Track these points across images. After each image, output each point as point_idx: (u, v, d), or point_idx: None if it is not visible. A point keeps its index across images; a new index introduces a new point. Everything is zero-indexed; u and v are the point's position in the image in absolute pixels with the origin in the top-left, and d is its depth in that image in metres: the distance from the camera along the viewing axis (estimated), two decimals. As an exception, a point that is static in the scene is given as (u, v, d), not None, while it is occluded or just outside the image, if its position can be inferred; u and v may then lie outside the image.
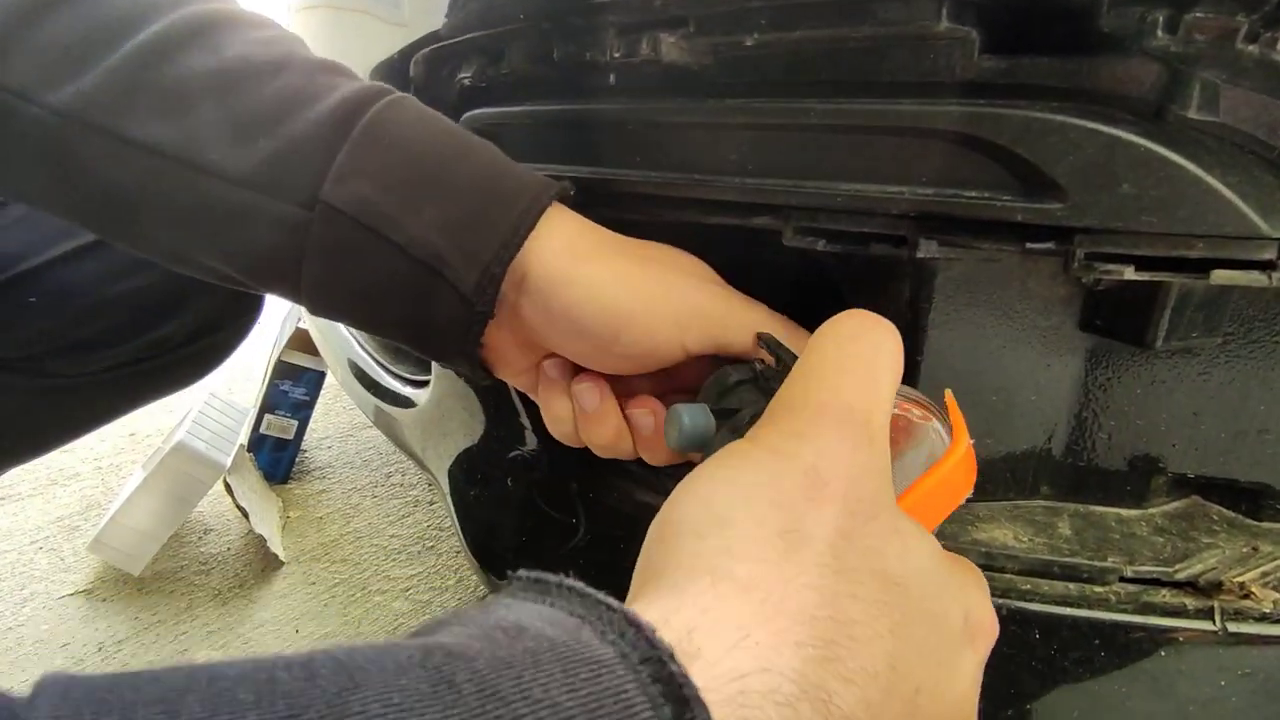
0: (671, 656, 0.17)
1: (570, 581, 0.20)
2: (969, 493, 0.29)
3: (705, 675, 0.18)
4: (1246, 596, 0.33)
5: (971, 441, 0.29)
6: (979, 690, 0.25)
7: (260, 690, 0.15)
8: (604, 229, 0.37)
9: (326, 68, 0.36)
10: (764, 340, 0.34)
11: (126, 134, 0.33)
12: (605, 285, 0.34)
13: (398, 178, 0.33)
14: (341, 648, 0.17)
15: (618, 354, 0.35)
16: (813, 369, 0.26)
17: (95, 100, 0.33)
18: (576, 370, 0.38)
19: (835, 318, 0.28)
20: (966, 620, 0.24)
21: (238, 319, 0.71)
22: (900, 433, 0.29)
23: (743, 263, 0.38)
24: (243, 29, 0.36)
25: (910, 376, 0.36)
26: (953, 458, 0.28)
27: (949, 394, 0.31)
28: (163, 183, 0.34)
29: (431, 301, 0.34)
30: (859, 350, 0.26)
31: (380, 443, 1.31)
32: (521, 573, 0.21)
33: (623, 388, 0.38)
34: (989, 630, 0.25)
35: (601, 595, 0.19)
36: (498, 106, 0.44)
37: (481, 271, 0.33)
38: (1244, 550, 0.35)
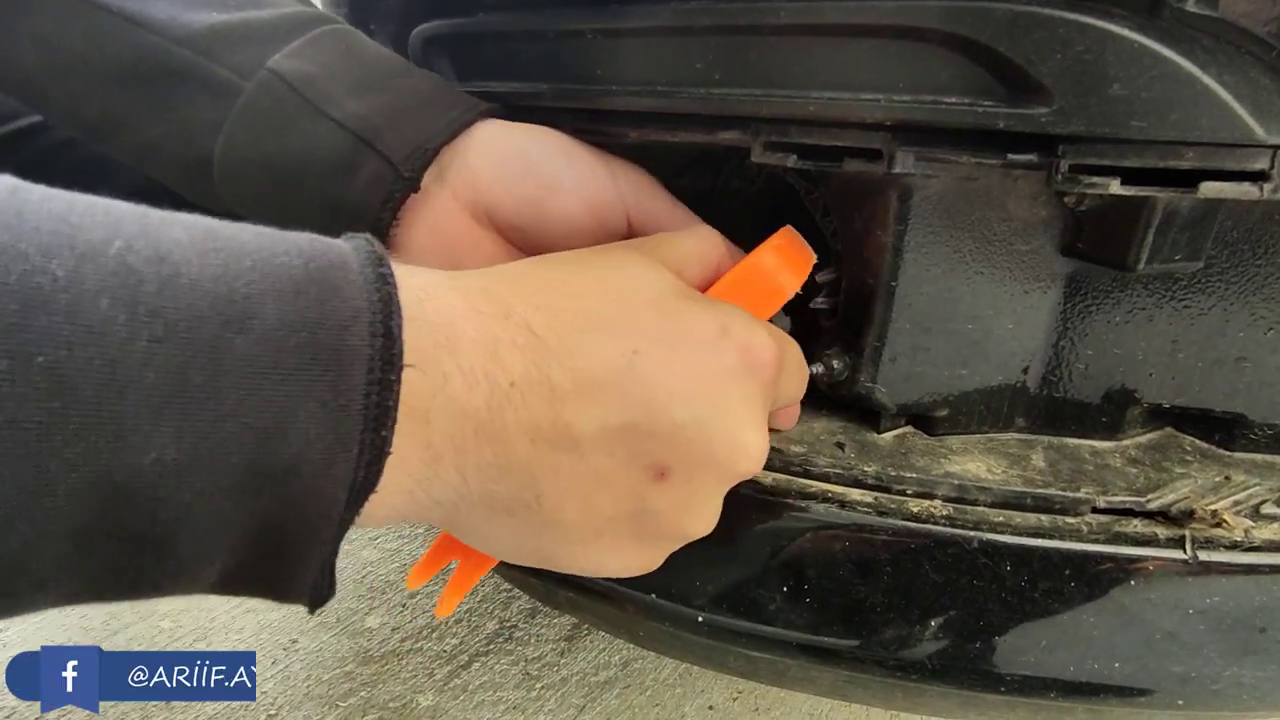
0: (380, 249, 0.22)
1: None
2: (794, 290, 0.33)
3: (402, 270, 0.22)
4: (1218, 525, 0.32)
5: (783, 244, 0.33)
6: (750, 409, 0.27)
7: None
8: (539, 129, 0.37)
9: None
10: None
11: None
12: (549, 137, 0.36)
13: (345, 68, 0.35)
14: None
15: (560, 202, 0.34)
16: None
17: None
18: None
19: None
20: (725, 331, 0.27)
21: None
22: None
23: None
24: None
25: (883, 303, 0.34)
26: (753, 258, 0.32)
27: (786, 227, 0.34)
28: (104, 37, 0.34)
29: (354, 175, 0.34)
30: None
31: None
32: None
33: None
34: (759, 348, 0.27)
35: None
36: (449, 18, 0.41)
37: (415, 146, 0.34)
38: (1216, 480, 0.35)
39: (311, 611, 0.23)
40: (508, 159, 0.35)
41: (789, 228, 0.34)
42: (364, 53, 0.36)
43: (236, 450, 0.19)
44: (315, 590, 0.23)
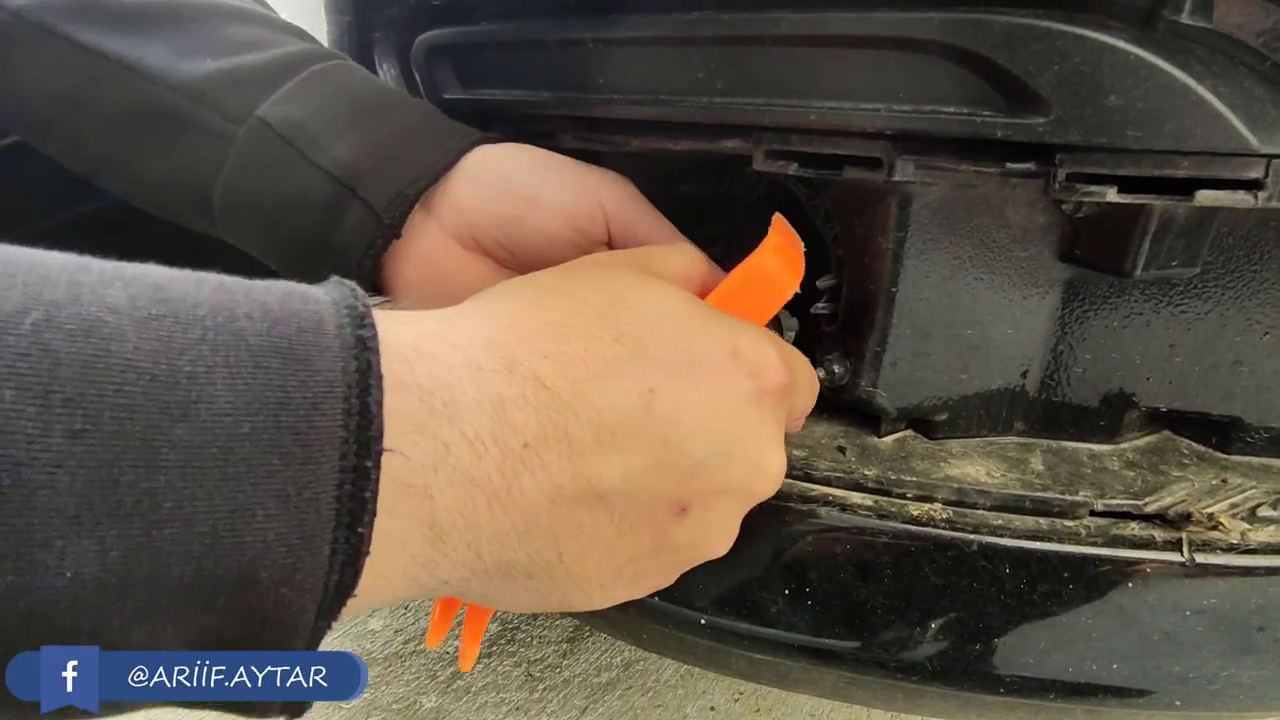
0: (364, 304, 0.20)
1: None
2: (794, 288, 0.32)
3: (389, 326, 0.20)
4: (1215, 528, 0.33)
5: (781, 242, 0.32)
6: (768, 430, 0.26)
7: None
8: (527, 150, 0.37)
9: (292, 30, 0.38)
10: None
11: (71, 36, 0.34)
12: (527, 154, 0.36)
13: (332, 110, 0.35)
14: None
15: (540, 217, 0.34)
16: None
17: (49, 4, 0.35)
18: None
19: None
20: (736, 355, 0.26)
21: None
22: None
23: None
24: None
25: (883, 309, 0.34)
26: (754, 257, 0.31)
27: (776, 215, 0.33)
28: (102, 83, 0.35)
29: (340, 220, 0.34)
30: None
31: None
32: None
33: None
34: (770, 370, 0.26)
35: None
36: (451, 27, 0.41)
37: (396, 193, 0.34)
38: (1213, 483, 0.35)
39: None
40: (488, 182, 0.35)
41: (779, 217, 0.33)
42: (355, 89, 0.36)
43: (177, 562, 0.16)
44: (288, 709, 0.20)
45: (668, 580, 0.28)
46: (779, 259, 0.32)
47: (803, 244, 0.33)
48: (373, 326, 0.19)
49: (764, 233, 0.34)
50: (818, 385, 0.34)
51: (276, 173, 0.34)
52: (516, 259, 0.35)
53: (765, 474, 0.26)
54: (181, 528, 0.16)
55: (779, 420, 0.28)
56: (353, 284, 0.21)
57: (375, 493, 0.18)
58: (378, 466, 0.18)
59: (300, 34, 0.39)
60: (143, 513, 0.16)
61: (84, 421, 0.15)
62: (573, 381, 0.22)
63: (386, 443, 0.19)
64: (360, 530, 0.18)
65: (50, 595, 0.15)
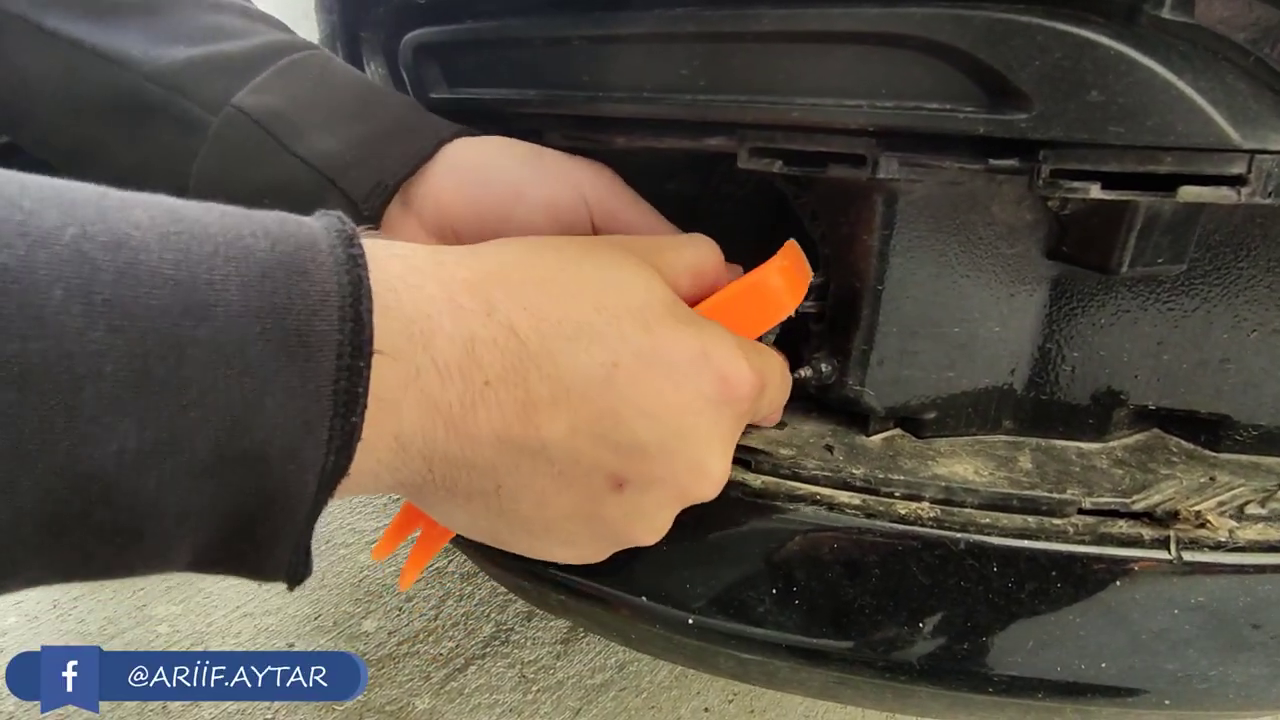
0: (351, 228, 0.22)
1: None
2: (790, 310, 0.33)
3: (382, 257, 0.22)
4: (1203, 525, 0.33)
5: (788, 265, 0.33)
6: (719, 435, 0.27)
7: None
8: (507, 141, 0.37)
9: (268, 19, 0.38)
10: None
11: (45, 25, 0.34)
12: (508, 146, 0.36)
13: (312, 100, 0.35)
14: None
15: (522, 209, 0.34)
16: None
17: None
18: None
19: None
20: (706, 357, 0.27)
21: None
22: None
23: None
24: None
25: (870, 307, 0.34)
26: (757, 274, 0.32)
27: (790, 241, 0.34)
28: (78, 72, 0.35)
29: (320, 206, 0.34)
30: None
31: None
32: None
33: None
34: (737, 380, 0.27)
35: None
36: (438, 26, 0.41)
37: (375, 183, 0.34)
38: (1201, 481, 0.35)
39: (290, 589, 0.23)
40: (467, 175, 0.35)
41: (793, 243, 0.34)
42: (333, 80, 0.36)
43: (202, 439, 0.19)
44: (292, 569, 0.23)
45: (597, 554, 0.30)
46: (783, 279, 0.32)
47: (811, 273, 0.34)
48: (360, 246, 0.21)
49: (753, 231, 0.34)
50: (789, 386, 0.34)
51: (254, 160, 0.34)
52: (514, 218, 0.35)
53: (706, 475, 0.27)
54: (205, 412, 0.18)
55: (734, 429, 0.29)
56: (339, 213, 0.22)
57: (366, 389, 0.21)
58: (369, 366, 0.21)
59: (276, 24, 0.39)
60: (173, 399, 0.18)
61: (121, 319, 0.17)
62: (543, 337, 0.24)
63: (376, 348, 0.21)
64: (353, 420, 0.20)
65: (100, 464, 0.17)
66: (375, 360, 0.21)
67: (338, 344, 0.20)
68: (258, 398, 0.19)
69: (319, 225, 0.22)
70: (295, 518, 0.21)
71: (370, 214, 0.34)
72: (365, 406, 0.21)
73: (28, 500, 0.17)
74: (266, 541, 0.21)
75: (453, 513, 0.27)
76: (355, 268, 0.21)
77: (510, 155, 0.35)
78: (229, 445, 0.19)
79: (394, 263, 0.23)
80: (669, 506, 0.28)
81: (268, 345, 0.19)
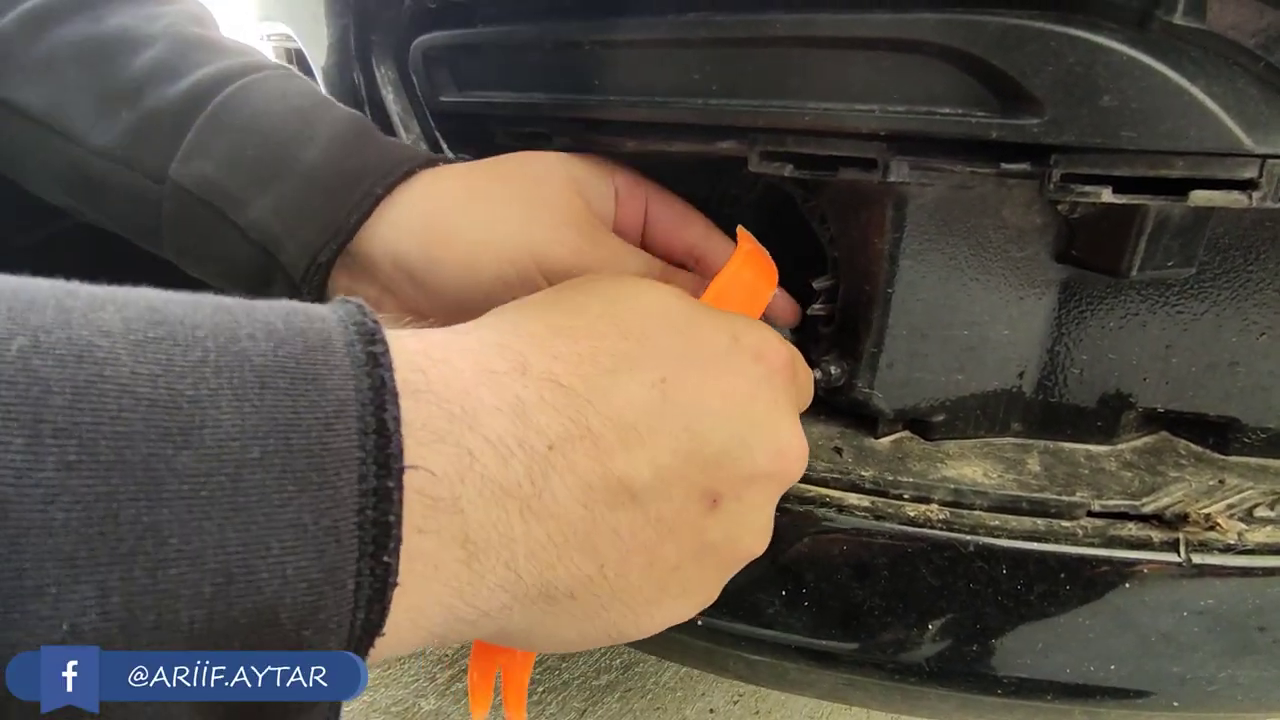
0: (372, 320, 0.19)
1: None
2: (772, 290, 0.34)
3: (396, 339, 0.19)
4: (1212, 528, 0.33)
5: (752, 248, 0.33)
6: (782, 412, 0.26)
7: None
8: (462, 181, 0.34)
9: (205, 44, 0.35)
10: None
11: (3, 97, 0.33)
12: (452, 188, 0.34)
13: (243, 157, 0.33)
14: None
15: (466, 256, 0.32)
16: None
17: None
18: None
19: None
20: (736, 340, 0.26)
21: None
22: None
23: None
24: (135, 1, 0.35)
25: (880, 310, 0.34)
26: (729, 268, 0.33)
27: (739, 228, 0.34)
28: (34, 145, 0.34)
29: (270, 288, 0.34)
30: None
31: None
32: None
33: None
34: (771, 351, 0.26)
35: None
36: (448, 30, 0.41)
37: (310, 261, 0.32)
38: (1210, 483, 0.35)
39: None
40: (415, 228, 0.33)
41: (742, 230, 0.34)
42: (262, 123, 0.33)
43: (187, 605, 0.15)
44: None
45: (714, 591, 0.27)
46: (751, 269, 0.33)
47: (766, 251, 0.34)
48: (384, 342, 0.18)
49: (760, 238, 0.34)
50: (813, 381, 0.34)
51: (206, 237, 0.33)
52: (457, 298, 0.32)
53: (787, 455, 0.25)
54: (190, 566, 0.15)
55: (791, 400, 0.27)
56: (359, 300, 0.20)
57: (400, 516, 0.17)
58: (400, 487, 0.17)
59: (213, 46, 0.36)
60: (146, 551, 0.14)
61: (78, 452, 0.14)
62: (586, 378, 0.22)
63: (408, 458, 0.17)
64: (386, 560, 0.17)
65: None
66: (417, 453, 0.18)
67: (359, 462, 0.16)
68: (259, 543, 0.15)
69: (334, 318, 0.18)
70: (319, 704, 0.17)
71: (312, 294, 0.33)
72: (400, 539, 0.17)
73: None
74: None
75: (555, 629, 0.23)
76: (376, 368, 0.17)
77: (455, 198, 0.33)
78: (223, 611, 0.15)
79: (411, 342, 0.20)
80: (766, 503, 0.26)
81: (268, 473, 0.15)
